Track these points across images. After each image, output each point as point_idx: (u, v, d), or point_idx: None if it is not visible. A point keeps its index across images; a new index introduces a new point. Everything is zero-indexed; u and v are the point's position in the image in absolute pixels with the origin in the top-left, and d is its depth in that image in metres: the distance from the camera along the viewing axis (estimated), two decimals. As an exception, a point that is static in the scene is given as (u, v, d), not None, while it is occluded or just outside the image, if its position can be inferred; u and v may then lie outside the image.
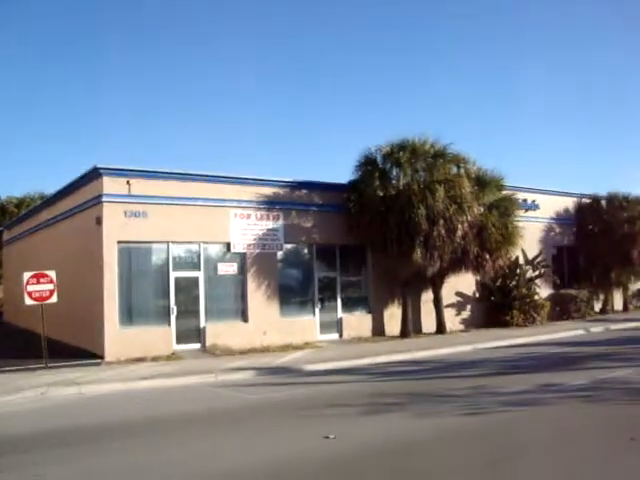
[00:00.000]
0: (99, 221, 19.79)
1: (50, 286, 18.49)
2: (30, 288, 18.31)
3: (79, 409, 13.23)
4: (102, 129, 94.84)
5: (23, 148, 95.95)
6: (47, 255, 26.06)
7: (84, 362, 18.53)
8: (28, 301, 18.41)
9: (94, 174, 20.26)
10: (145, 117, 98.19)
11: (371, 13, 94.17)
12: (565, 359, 18.11)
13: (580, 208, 33.42)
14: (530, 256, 29.29)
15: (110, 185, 19.80)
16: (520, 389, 13.13)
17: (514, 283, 27.86)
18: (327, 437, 9.46)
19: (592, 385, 13.31)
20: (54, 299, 18.51)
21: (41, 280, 18.47)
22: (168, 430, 10.67)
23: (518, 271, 28.17)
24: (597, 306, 32.88)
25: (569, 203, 33.20)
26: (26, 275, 18.47)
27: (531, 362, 17.82)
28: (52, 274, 18.60)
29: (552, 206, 31.95)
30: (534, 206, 30.49)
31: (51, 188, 39.12)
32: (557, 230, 32.48)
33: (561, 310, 29.90)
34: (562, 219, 32.67)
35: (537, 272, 29.28)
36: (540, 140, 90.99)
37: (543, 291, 29.36)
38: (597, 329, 25.79)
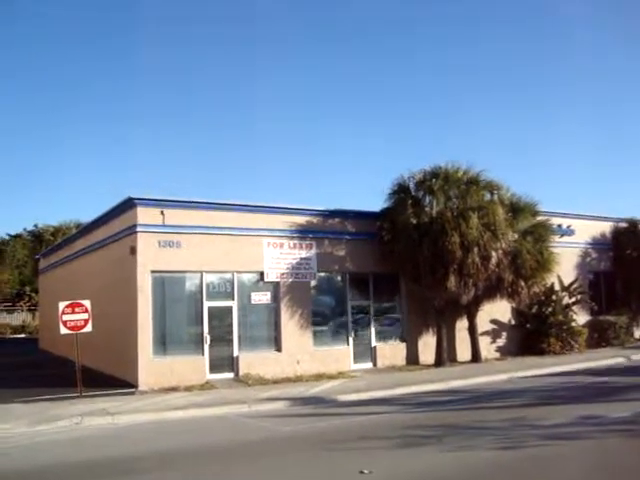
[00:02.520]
0: (133, 251, 19.94)
1: (85, 315, 18.64)
2: (65, 317, 18.48)
3: (112, 440, 13.25)
4: (136, 159, 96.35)
5: (60, 177, 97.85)
6: (82, 283, 26.31)
7: (118, 391, 18.58)
8: (63, 330, 18.58)
9: (128, 204, 20.46)
10: (178, 147, 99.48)
11: (402, 37, 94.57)
12: (605, 389, 17.74)
13: (617, 232, 32.80)
14: (566, 282, 28.79)
15: (144, 215, 19.97)
16: (559, 422, 12.83)
17: (550, 310, 27.39)
18: (362, 472, 9.33)
19: (634, 418, 12.98)
20: (89, 328, 18.66)
21: (76, 309, 18.64)
22: (201, 463, 10.62)
23: (554, 298, 27.69)
24: (637, 333, 32.13)
25: (605, 228, 32.61)
26: (61, 304, 18.65)
27: (569, 392, 17.43)
28: (87, 303, 18.75)
29: (588, 231, 31.40)
30: (569, 231, 30.02)
31: (87, 216, 39.68)
32: (593, 255, 31.91)
33: (599, 337, 29.30)
34: (598, 244, 32.06)
35: (574, 298, 28.73)
36: (575, 165, 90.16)
37: (580, 318, 28.77)
38: (638, 357, 25.18)
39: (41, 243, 57.06)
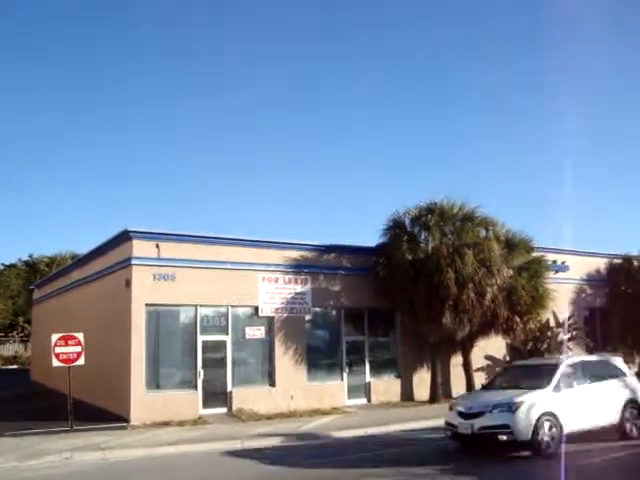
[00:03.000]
0: (128, 283, 19.91)
1: (78, 348, 18.57)
2: (58, 350, 18.43)
3: (103, 476, 13.15)
4: (132, 191, 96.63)
5: (55, 208, 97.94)
6: (76, 315, 26.20)
7: (110, 425, 18.42)
8: (55, 363, 18.53)
9: (124, 237, 20.47)
10: (173, 181, 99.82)
11: (396, 69, 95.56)
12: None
13: (612, 269, 32.83)
14: (561, 318, 28.75)
15: (140, 248, 19.97)
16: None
17: (545, 346, 27.26)
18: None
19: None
20: (81, 361, 18.60)
21: (69, 342, 18.60)
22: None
23: (549, 334, 27.61)
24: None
25: (600, 264, 32.65)
26: (54, 337, 18.60)
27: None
28: (80, 336, 18.70)
29: (583, 267, 31.44)
30: (564, 267, 30.06)
31: (82, 248, 39.59)
32: (588, 291, 31.91)
33: (595, 374, 29.16)
34: (593, 280, 32.08)
35: (569, 335, 28.65)
36: (570, 201, 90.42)
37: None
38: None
39: (35, 273, 56.77)
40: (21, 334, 60.09)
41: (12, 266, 68.31)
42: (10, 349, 56.40)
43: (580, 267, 31.11)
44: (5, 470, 13.34)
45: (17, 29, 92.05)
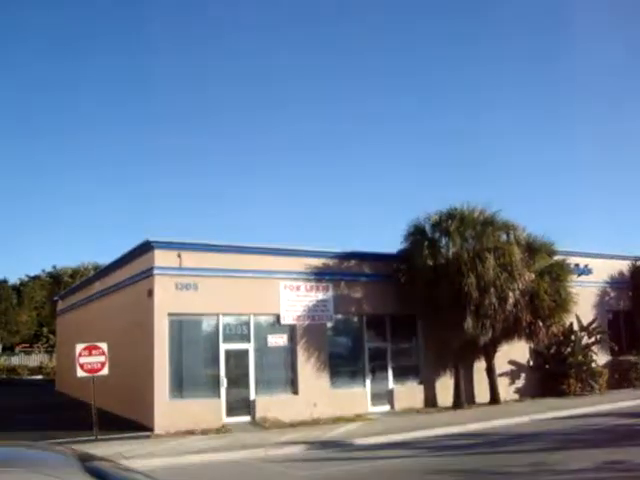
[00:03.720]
0: (150, 293, 20.05)
1: (102, 358, 18.68)
2: (82, 360, 18.53)
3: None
4: (154, 203, 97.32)
5: (78, 220, 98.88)
6: (99, 325, 26.39)
7: (134, 434, 18.51)
8: (80, 373, 18.64)
9: (146, 247, 20.63)
10: (195, 190, 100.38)
11: (413, 77, 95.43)
12: (629, 432, 17.51)
13: (635, 271, 32.50)
14: (585, 322, 28.53)
15: (161, 258, 20.12)
16: (583, 466, 12.61)
17: (569, 350, 27.13)
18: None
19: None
20: (105, 371, 18.70)
21: (93, 352, 18.69)
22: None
23: (573, 338, 27.45)
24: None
25: (623, 266, 32.35)
26: (78, 347, 18.73)
27: (592, 435, 17.14)
28: (104, 346, 18.80)
29: (606, 270, 31.18)
30: (587, 271, 29.82)
31: (105, 259, 39.91)
32: (612, 294, 31.64)
33: (620, 378, 28.89)
34: (617, 283, 31.80)
35: (593, 338, 28.45)
36: (591, 204, 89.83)
37: (600, 358, 28.46)
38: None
39: (59, 285, 57.48)
40: (46, 344, 60.60)
41: (36, 278, 69.05)
42: (35, 360, 56.88)
43: (603, 270, 30.86)
44: None
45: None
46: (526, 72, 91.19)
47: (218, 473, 14.08)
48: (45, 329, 62.49)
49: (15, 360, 56.88)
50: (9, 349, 63.33)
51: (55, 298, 43.49)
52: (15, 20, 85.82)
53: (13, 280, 69.88)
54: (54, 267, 64.91)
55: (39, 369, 53.04)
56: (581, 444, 15.66)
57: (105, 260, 31.74)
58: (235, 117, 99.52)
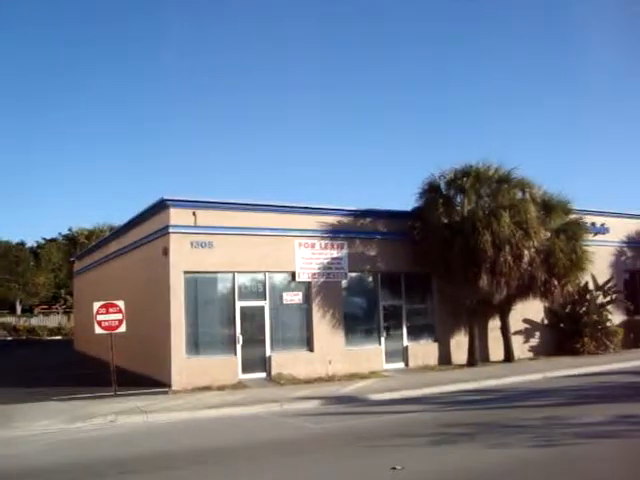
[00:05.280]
0: (166, 252, 20.12)
1: (119, 316, 18.87)
2: (100, 317, 18.75)
3: (147, 437, 13.43)
4: (168, 162, 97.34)
5: (93, 182, 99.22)
6: (116, 285, 26.62)
7: (151, 390, 18.79)
8: (98, 330, 18.87)
9: (161, 206, 20.66)
10: (209, 145, 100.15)
11: (434, 49, 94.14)
12: (642, 389, 17.52)
13: (653, 231, 32.23)
14: (600, 281, 28.41)
15: (177, 216, 20.16)
16: (594, 420, 12.67)
17: (584, 309, 27.04)
18: (394, 468, 9.35)
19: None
20: (123, 329, 18.90)
21: (110, 310, 18.89)
22: (234, 460, 10.70)
23: (588, 297, 27.35)
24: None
25: (641, 226, 32.06)
26: (96, 305, 18.92)
27: (605, 392, 17.18)
28: (121, 304, 18.99)
29: (623, 229, 30.85)
30: (603, 229, 29.58)
31: (120, 220, 40.06)
32: (629, 254, 31.34)
33: (635, 337, 28.84)
34: (634, 242, 31.43)
35: (608, 298, 28.32)
36: (608, 162, 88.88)
37: (615, 317, 28.35)
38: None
39: (75, 246, 57.91)
40: (64, 306, 61.41)
41: (53, 240, 69.69)
42: (54, 321, 57.71)
43: (620, 229, 30.55)
44: (53, 431, 13.80)
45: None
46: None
47: (234, 427, 14.24)
48: (63, 291, 63.23)
49: (34, 321, 57.79)
50: (28, 311, 64.25)
51: (72, 259, 43.89)
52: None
53: (30, 243, 70.66)
54: (70, 229, 65.38)
55: (58, 330, 53.85)
56: (594, 400, 15.75)
57: (120, 222, 31.81)
58: (251, 78, 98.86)
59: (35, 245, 71.43)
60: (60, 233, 68.47)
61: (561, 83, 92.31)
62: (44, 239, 69.95)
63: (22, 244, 69.48)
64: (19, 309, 65.28)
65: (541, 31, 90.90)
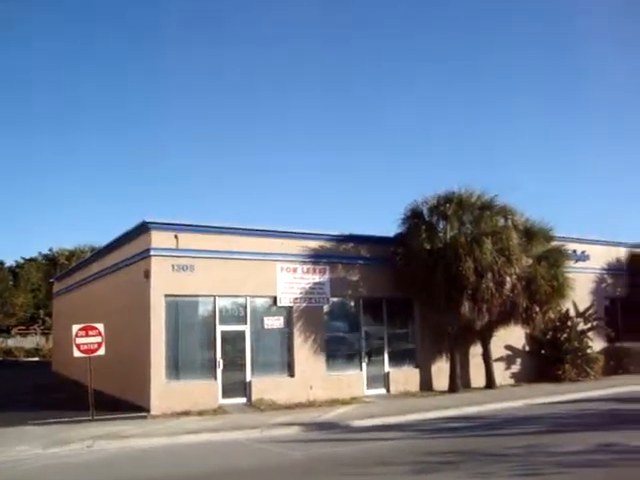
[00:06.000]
0: (147, 274, 19.98)
1: (98, 339, 18.67)
2: (79, 340, 18.54)
3: (124, 463, 13.23)
4: (151, 186, 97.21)
5: (74, 202, 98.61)
6: (96, 307, 26.35)
7: (130, 415, 18.55)
8: (76, 353, 18.64)
9: (143, 228, 20.54)
10: (193, 172, 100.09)
11: (417, 65, 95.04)
12: (623, 416, 17.55)
13: (632, 258, 32.48)
14: (581, 308, 28.52)
15: (158, 239, 20.04)
16: (577, 449, 12.63)
17: (565, 336, 27.09)
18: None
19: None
20: (102, 352, 18.70)
21: (90, 333, 18.69)
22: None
23: (569, 324, 27.42)
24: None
25: (621, 253, 32.28)
26: (75, 327, 18.71)
27: (586, 419, 17.19)
28: (100, 327, 18.79)
29: (603, 256, 31.13)
30: (584, 257, 29.79)
31: (101, 241, 39.80)
32: (609, 281, 31.57)
33: (616, 364, 28.96)
34: (614, 270, 31.71)
35: (589, 324, 28.38)
36: (589, 190, 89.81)
37: (596, 344, 28.43)
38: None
39: (55, 267, 57.35)
40: (42, 327, 60.68)
41: (32, 260, 68.95)
42: (32, 341, 57.04)
43: (600, 256, 30.85)
44: (29, 457, 13.51)
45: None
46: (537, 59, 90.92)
47: (214, 453, 14.07)
48: (41, 311, 62.51)
49: (11, 342, 57.03)
50: (5, 331, 63.39)
51: (51, 280, 43.45)
52: None
53: (9, 262, 69.83)
54: (50, 249, 64.80)
55: (35, 351, 53.16)
56: (575, 427, 15.69)
57: (102, 243, 31.60)
58: (233, 99, 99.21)
59: (14, 264, 70.67)
60: (40, 252, 67.85)
61: (553, 104, 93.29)
62: (23, 259, 69.24)
63: (1, 263, 68.70)
64: (-5, 330, 64.48)
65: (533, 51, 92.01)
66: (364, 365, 23.35)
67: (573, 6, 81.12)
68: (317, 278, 22.52)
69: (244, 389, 20.86)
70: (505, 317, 23.98)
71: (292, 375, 21.69)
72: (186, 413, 18.81)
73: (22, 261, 69.53)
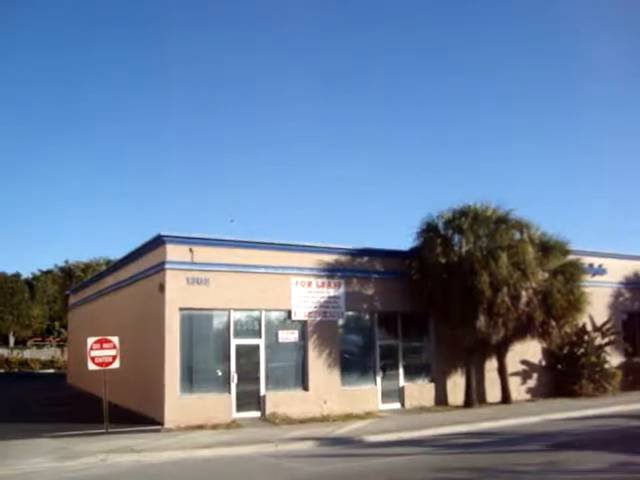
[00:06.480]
0: (162, 287, 20.01)
1: (113, 352, 18.74)
2: (93, 353, 18.61)
3: (138, 477, 13.21)
4: (166, 198, 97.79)
5: (92, 215, 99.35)
6: (111, 320, 26.46)
7: (144, 428, 18.58)
8: (91, 366, 18.71)
9: (158, 241, 20.60)
10: (208, 185, 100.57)
11: (421, 82, 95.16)
12: (641, 434, 17.32)
13: (650, 272, 32.18)
14: (598, 322, 28.28)
15: (173, 252, 20.08)
16: (596, 467, 12.48)
17: (582, 351, 26.84)
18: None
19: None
20: (116, 365, 18.75)
21: (104, 345, 18.75)
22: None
23: (586, 338, 27.17)
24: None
25: (638, 267, 31.99)
26: (90, 340, 18.78)
27: (605, 436, 16.98)
28: (115, 340, 18.86)
29: (620, 270, 30.80)
30: (601, 271, 29.53)
31: (117, 254, 40.03)
32: (626, 295, 31.25)
33: (634, 379, 28.58)
34: (631, 284, 31.34)
35: (606, 339, 28.13)
36: (605, 203, 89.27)
37: (614, 359, 28.14)
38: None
39: (71, 279, 57.71)
40: (57, 339, 61.06)
41: (48, 272, 69.47)
42: (47, 353, 57.34)
43: (617, 270, 30.50)
44: (44, 470, 13.56)
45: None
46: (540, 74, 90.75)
47: (227, 467, 14.04)
48: (57, 323, 62.92)
49: (27, 353, 57.36)
50: (21, 342, 63.83)
51: (67, 292, 43.71)
52: None
53: (26, 274, 70.40)
54: (66, 262, 65.18)
55: (51, 362, 53.46)
56: (592, 445, 15.49)
57: (117, 255, 31.79)
58: (248, 110, 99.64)
59: (31, 277, 71.19)
60: (56, 265, 68.30)
61: (566, 120, 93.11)
62: (40, 271, 69.77)
63: (17, 275, 69.20)
64: (12, 341, 64.89)
65: (543, 59, 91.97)
66: (379, 379, 23.24)
67: None
68: (332, 292, 22.46)
69: (258, 403, 20.80)
70: (521, 331, 23.78)
71: (306, 389, 21.61)
72: (200, 427, 18.77)
73: (38, 273, 70.08)
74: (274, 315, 21.69)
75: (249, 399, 20.71)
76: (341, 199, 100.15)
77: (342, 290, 22.67)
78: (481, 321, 21.75)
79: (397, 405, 23.32)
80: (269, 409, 20.57)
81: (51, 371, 50.70)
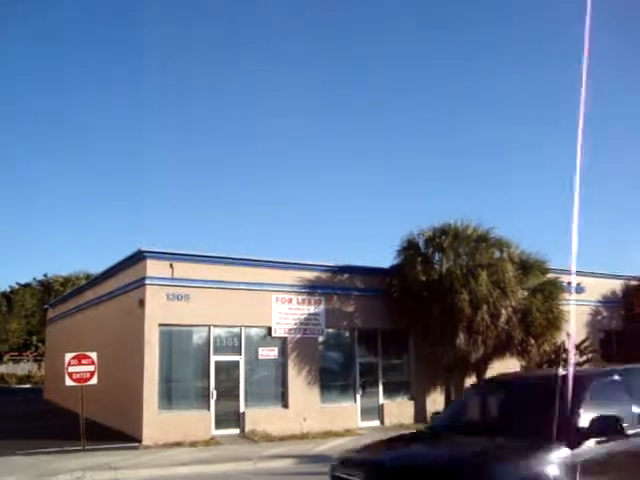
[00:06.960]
0: (142, 303, 19.92)
1: (91, 367, 18.59)
2: (71, 369, 18.46)
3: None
4: (146, 211, 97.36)
5: (70, 229, 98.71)
6: (89, 335, 26.24)
7: (122, 445, 18.38)
8: (68, 382, 18.56)
9: (138, 257, 20.53)
10: (188, 201, 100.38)
11: (405, 95, 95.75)
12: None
13: (627, 290, 32.47)
14: (577, 341, 28.47)
15: (153, 268, 20.01)
16: None
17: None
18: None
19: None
20: (94, 381, 18.61)
21: (82, 361, 18.61)
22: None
23: (564, 356, 27.30)
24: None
25: (616, 285, 32.27)
26: (68, 356, 18.64)
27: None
28: (93, 355, 18.72)
29: (598, 289, 31.09)
30: (580, 289, 29.71)
31: (97, 268, 39.73)
32: (604, 313, 31.55)
33: (611, 397, 28.73)
34: (609, 302, 31.67)
35: (584, 357, 28.28)
36: (585, 223, 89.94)
37: (591, 377, 28.25)
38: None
39: (50, 293, 57.24)
40: (35, 353, 60.31)
41: (27, 285, 68.72)
42: (24, 368, 56.65)
43: (596, 289, 30.77)
44: (17, 489, 13.35)
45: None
46: (528, 80, 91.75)
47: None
48: (34, 337, 62.16)
49: (3, 368, 56.65)
50: (-2, 357, 62.97)
51: (45, 306, 43.29)
52: None
53: (3, 287, 69.58)
54: (45, 275, 64.70)
55: (27, 377, 52.79)
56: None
57: (97, 270, 31.59)
58: (232, 125, 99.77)
59: (8, 290, 70.45)
60: (35, 278, 67.69)
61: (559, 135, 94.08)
62: (18, 284, 69.02)
63: (-6, 288, 68.44)
64: (-13, 356, 64.11)
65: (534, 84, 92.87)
66: (358, 397, 23.24)
67: None
68: (312, 309, 22.48)
69: (237, 420, 20.72)
70: (500, 349, 23.87)
71: (286, 406, 21.57)
72: (179, 444, 18.65)
73: (16, 286, 69.28)
74: (254, 331, 21.66)
75: (228, 416, 20.63)
76: (322, 215, 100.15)
77: (322, 307, 22.69)
78: (461, 339, 21.82)
79: (377, 422, 23.31)
80: (248, 426, 20.49)
81: (28, 386, 50.06)
